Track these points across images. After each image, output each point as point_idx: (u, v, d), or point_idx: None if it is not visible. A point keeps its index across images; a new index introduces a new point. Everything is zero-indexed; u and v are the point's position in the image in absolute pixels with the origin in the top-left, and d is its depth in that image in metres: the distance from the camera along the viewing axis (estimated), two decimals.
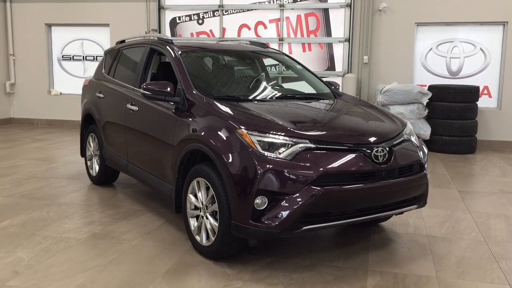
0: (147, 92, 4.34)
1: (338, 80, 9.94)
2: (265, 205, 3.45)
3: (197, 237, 4.00)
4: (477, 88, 9.00)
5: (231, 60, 5.26)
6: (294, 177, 3.41)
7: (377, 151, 3.64)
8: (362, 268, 3.81)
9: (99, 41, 11.27)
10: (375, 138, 3.74)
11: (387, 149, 3.72)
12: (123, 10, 10.87)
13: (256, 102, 4.31)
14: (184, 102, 4.24)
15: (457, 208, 5.43)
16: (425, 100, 9.03)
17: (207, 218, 3.88)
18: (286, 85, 5.52)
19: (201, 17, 10.51)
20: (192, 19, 10.57)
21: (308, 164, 3.46)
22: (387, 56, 9.77)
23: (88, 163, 6.32)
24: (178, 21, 10.65)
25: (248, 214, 3.46)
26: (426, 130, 8.96)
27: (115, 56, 5.97)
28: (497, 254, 4.14)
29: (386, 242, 4.41)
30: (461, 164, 7.97)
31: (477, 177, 7.16)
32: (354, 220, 3.74)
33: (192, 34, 10.59)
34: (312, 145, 3.55)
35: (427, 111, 9.07)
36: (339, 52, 10.00)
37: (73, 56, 11.62)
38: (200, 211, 3.96)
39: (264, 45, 5.61)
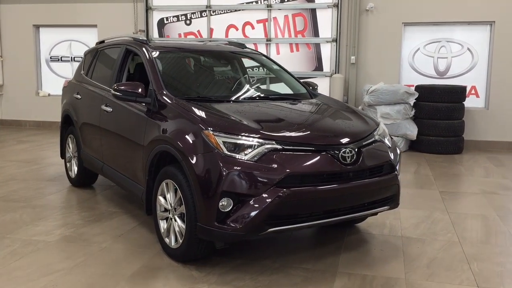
0: (118, 93, 4.30)
1: (326, 81, 9.92)
2: (230, 207, 3.41)
3: (166, 240, 3.96)
4: (463, 88, 8.97)
5: (207, 60, 5.22)
6: (259, 179, 3.37)
7: (344, 152, 3.60)
8: (331, 270, 3.77)
9: (87, 42, 11.21)
10: (343, 139, 3.70)
11: (356, 150, 3.68)
12: (110, 11, 10.83)
13: (227, 102, 4.27)
14: (155, 103, 4.20)
15: (436, 209, 5.39)
16: (411, 100, 9.00)
17: (175, 220, 3.84)
18: (264, 86, 5.44)
19: (188, 18, 10.48)
20: (180, 19, 10.54)
21: (274, 166, 3.42)
22: (375, 56, 9.74)
23: (68, 164, 6.28)
24: (166, 21, 10.62)
25: (213, 216, 3.42)
26: (412, 131, 8.93)
27: (93, 57, 5.93)
28: (470, 255, 4.10)
29: (359, 243, 4.37)
30: (447, 164, 7.94)
31: (460, 177, 7.12)
32: (323, 222, 3.71)
33: (179, 35, 10.55)
34: (279, 146, 3.51)
35: (413, 111, 9.04)
36: (327, 52, 9.96)
37: (61, 57, 11.58)
38: (169, 213, 3.92)
39: (243, 46, 5.57)
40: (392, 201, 4.05)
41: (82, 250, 4.09)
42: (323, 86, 9.91)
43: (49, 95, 11.57)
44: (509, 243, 4.43)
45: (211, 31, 10.37)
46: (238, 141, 3.50)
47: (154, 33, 10.65)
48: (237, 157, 3.43)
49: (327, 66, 9.99)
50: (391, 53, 9.67)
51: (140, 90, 4.25)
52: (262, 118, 3.94)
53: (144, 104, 4.31)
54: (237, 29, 10.27)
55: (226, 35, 10.30)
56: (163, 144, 3.90)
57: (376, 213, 4.31)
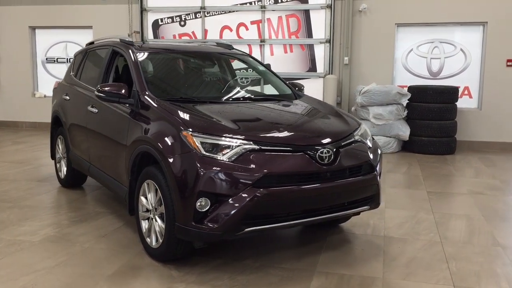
0: (101, 94, 4.33)
1: (320, 82, 9.94)
2: (208, 207, 3.45)
3: (148, 239, 3.99)
4: (456, 88, 8.99)
5: (192, 61, 5.25)
6: (235, 179, 3.41)
7: (322, 152, 3.63)
8: (309, 269, 3.80)
9: (83, 44, 11.15)
10: (321, 139, 3.73)
11: (334, 150, 3.71)
12: (105, 12, 10.89)
13: (209, 103, 4.29)
14: (137, 104, 4.23)
15: (421, 209, 5.42)
16: (404, 101, 9.01)
17: (156, 220, 3.87)
18: (250, 87, 5.47)
19: (183, 19, 10.52)
20: (174, 21, 10.58)
21: (251, 166, 3.45)
22: (368, 57, 9.76)
23: (57, 165, 6.33)
24: (160, 23, 10.66)
25: (190, 216, 3.46)
26: (405, 131, 8.94)
27: (82, 58, 5.97)
28: (450, 254, 4.12)
29: (341, 243, 4.39)
30: (438, 165, 7.95)
31: (450, 178, 7.14)
32: (301, 222, 3.74)
33: (174, 36, 10.60)
34: (256, 147, 3.54)
35: (406, 112, 9.06)
36: (320, 53, 9.99)
37: (57, 59, 11.63)
38: (150, 213, 3.96)
39: (230, 47, 5.59)
40: (372, 201, 4.07)
41: (64, 250, 4.13)
42: (316, 87, 9.95)
43: (45, 96, 11.62)
44: (491, 243, 4.44)
45: (205, 32, 10.41)
46: (216, 142, 3.54)
47: (149, 34, 10.70)
48: (214, 158, 3.47)
49: (320, 67, 10.02)
50: (384, 54, 9.69)
51: (123, 91, 4.29)
52: (242, 118, 3.98)
53: (127, 105, 4.35)
54: (231, 30, 10.31)
55: (220, 36, 10.34)
56: (144, 144, 3.93)
57: (358, 213, 4.33)
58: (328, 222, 4.68)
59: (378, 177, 4.06)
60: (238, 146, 3.52)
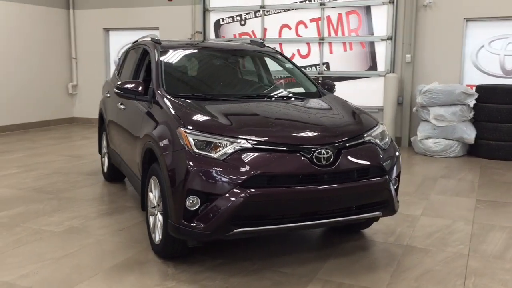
0: (119, 91, 4.43)
1: (380, 81, 9.51)
2: (198, 206, 3.39)
3: (153, 235, 4.02)
4: None
5: (216, 59, 5.20)
6: (223, 178, 3.33)
7: (319, 153, 3.44)
8: (309, 275, 3.61)
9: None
10: (320, 140, 3.54)
11: (334, 151, 3.50)
12: (171, 13, 11.21)
13: (220, 101, 4.22)
14: (151, 100, 4.28)
15: (461, 218, 4.97)
16: (470, 101, 8.35)
17: (158, 216, 3.88)
18: (273, 85, 5.32)
19: (243, 18, 10.56)
20: (235, 20, 10.65)
21: (241, 165, 3.35)
22: (433, 55, 9.16)
23: (102, 160, 6.60)
24: (221, 22, 10.78)
25: (181, 214, 3.42)
26: (470, 134, 8.29)
27: (123, 58, 6.18)
28: (472, 269, 3.73)
29: (354, 250, 4.14)
30: (502, 171, 7.27)
31: (509, 186, 6.49)
32: (299, 225, 3.56)
33: (234, 35, 10.66)
34: (249, 146, 3.43)
35: (472, 113, 8.40)
36: (382, 51, 9.55)
37: None
38: (156, 209, 3.98)
39: (262, 44, 5.49)
40: (384, 207, 3.79)
41: (79, 242, 4.28)
42: (376, 87, 9.54)
43: None
44: None
45: (264, 31, 10.37)
46: (209, 140, 3.47)
47: (211, 34, 10.86)
48: (205, 155, 3.41)
49: (381, 65, 9.58)
50: (452, 51, 9.04)
51: (140, 88, 4.35)
52: (244, 117, 3.88)
53: (145, 102, 4.42)
54: (290, 28, 10.17)
55: (280, 35, 10.24)
56: (149, 141, 3.97)
57: (376, 219, 4.11)
58: (346, 227, 4.45)
59: (391, 181, 3.77)
60: (231, 144, 3.43)
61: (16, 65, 11.14)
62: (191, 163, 3.38)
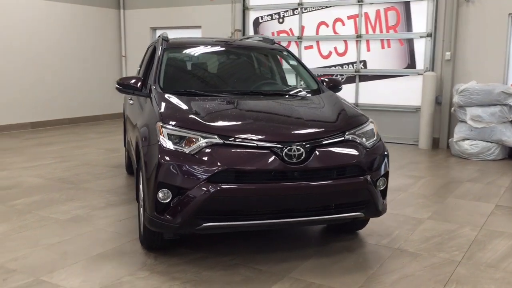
0: (119, 87, 4.58)
1: (418, 79, 9.17)
2: (170, 199, 3.46)
3: (140, 227, 4.13)
4: None
5: (218, 57, 5.25)
6: (191, 172, 3.37)
7: (290, 150, 3.40)
8: (281, 274, 3.58)
9: None
10: (292, 137, 3.50)
11: (307, 148, 3.45)
12: (212, 12, 11.40)
13: (209, 97, 4.24)
14: (147, 95, 4.40)
15: (470, 224, 4.73)
16: (511, 102, 7.88)
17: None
18: (271, 81, 5.28)
19: (281, 16, 10.54)
20: (273, 18, 10.65)
21: (210, 160, 3.38)
22: (475, 53, 8.71)
23: (126, 153, 6.85)
24: (260, 20, 10.82)
25: (153, 207, 3.51)
26: (510, 136, 7.83)
27: (144, 55, 6.37)
28: (457, 277, 3.55)
29: (340, 250, 4.05)
30: None
31: None
32: (271, 222, 3.55)
33: (273, 33, 10.67)
34: (220, 141, 3.45)
35: None
36: (421, 48, 9.20)
37: None
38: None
39: (272, 41, 5.48)
40: (365, 207, 3.69)
41: (77, 230, 4.48)
42: (415, 85, 9.22)
43: None
44: None
45: (302, 28, 10.29)
46: (182, 134, 3.53)
47: (250, 32, 10.93)
48: (177, 150, 3.47)
49: (420, 63, 9.23)
50: (495, 48, 8.55)
51: (138, 84, 4.48)
52: (223, 113, 3.89)
53: (143, 97, 4.55)
54: (327, 25, 10.04)
55: (317, 33, 10.14)
56: (138, 134, 4.09)
57: (366, 219, 4.02)
58: (340, 227, 4.37)
59: (373, 181, 3.65)
60: (203, 139, 3.47)
61: (69, 63, 11.78)
62: (162, 157, 3.45)
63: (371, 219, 4.34)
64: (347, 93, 9.81)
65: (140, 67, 6.36)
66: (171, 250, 3.96)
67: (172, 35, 12.12)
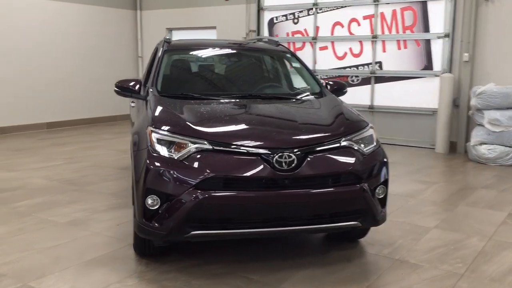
0: (117, 89, 4.53)
1: (435, 81, 8.91)
2: (158, 206, 3.38)
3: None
4: None
5: (219, 59, 5.16)
6: (179, 179, 3.29)
7: (280, 157, 3.28)
8: (272, 284, 3.47)
9: None
10: (283, 143, 3.37)
11: (299, 155, 3.32)
12: (227, 13, 11.33)
13: (204, 100, 4.15)
14: (145, 98, 4.34)
15: (478, 234, 4.53)
16: None
17: None
18: (272, 84, 5.15)
19: (296, 17, 10.40)
20: (288, 18, 10.52)
21: (198, 167, 3.29)
22: (494, 54, 8.42)
23: None
24: (275, 21, 10.70)
25: (142, 213, 3.44)
26: None
27: (150, 56, 6.32)
28: None
29: (337, 261, 3.90)
30: None
31: None
32: (261, 231, 3.44)
33: (287, 34, 10.54)
34: (209, 147, 3.36)
35: None
36: (438, 49, 8.94)
37: None
38: None
39: (276, 43, 5.37)
40: (362, 217, 3.54)
41: (74, 234, 4.45)
42: (432, 87, 8.96)
43: None
44: None
45: (317, 29, 10.13)
46: (171, 140, 3.45)
47: (265, 33, 10.82)
48: (165, 156, 3.39)
49: (437, 64, 8.97)
50: None
51: (136, 87, 4.43)
52: (215, 117, 3.78)
53: (141, 100, 4.50)
54: (342, 26, 9.86)
55: (332, 33, 9.96)
56: (132, 138, 4.03)
57: (365, 228, 3.88)
58: (341, 235, 4.22)
59: (370, 190, 3.50)
60: (192, 145, 3.38)
61: (86, 63, 11.87)
62: (150, 163, 3.37)
63: (375, 227, 4.19)
64: (362, 94, 9.64)
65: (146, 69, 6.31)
66: (163, 256, 3.89)
67: (188, 36, 12.22)
